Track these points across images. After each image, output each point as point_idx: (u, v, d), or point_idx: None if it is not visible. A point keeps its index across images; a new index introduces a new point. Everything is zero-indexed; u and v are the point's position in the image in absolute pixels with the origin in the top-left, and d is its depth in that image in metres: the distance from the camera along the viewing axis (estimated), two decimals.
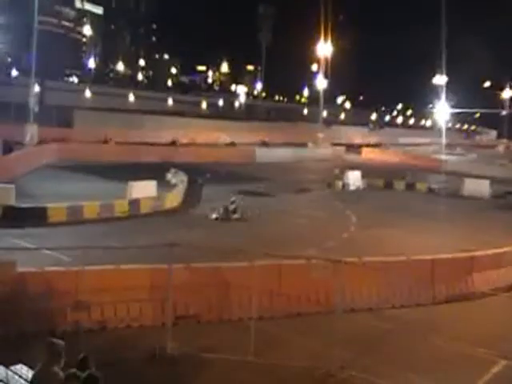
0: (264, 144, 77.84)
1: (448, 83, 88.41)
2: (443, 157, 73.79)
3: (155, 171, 39.63)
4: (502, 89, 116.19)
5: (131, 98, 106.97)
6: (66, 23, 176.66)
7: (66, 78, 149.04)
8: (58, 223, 26.29)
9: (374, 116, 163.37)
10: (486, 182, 46.75)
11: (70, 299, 14.24)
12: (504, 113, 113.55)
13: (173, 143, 68.41)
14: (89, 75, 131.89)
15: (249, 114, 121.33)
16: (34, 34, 53.33)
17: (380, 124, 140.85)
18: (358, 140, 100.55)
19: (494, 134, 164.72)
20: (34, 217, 26.02)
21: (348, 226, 30.93)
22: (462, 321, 16.77)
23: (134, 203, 30.58)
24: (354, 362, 13.45)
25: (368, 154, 78.88)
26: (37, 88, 73.08)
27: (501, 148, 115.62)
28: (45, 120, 57.72)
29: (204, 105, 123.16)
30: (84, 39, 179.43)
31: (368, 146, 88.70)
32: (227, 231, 27.76)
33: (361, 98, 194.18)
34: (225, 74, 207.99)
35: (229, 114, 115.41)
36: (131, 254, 18.09)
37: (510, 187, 46.57)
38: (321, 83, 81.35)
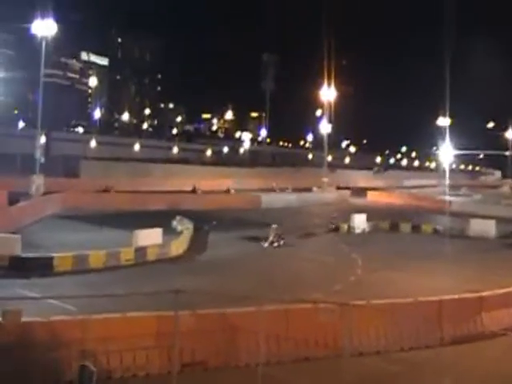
0: (272, 190, 78.05)
1: (452, 125, 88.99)
2: (448, 198, 73.75)
3: (161, 219, 39.77)
4: (505, 129, 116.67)
5: (136, 147, 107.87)
6: (72, 75, 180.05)
7: (71, 129, 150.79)
8: (64, 273, 26.30)
9: (378, 159, 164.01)
10: (492, 222, 46.63)
11: (76, 349, 14.20)
12: (508, 153, 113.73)
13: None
14: (95, 125, 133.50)
15: (254, 160, 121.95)
16: (40, 86, 54.34)
17: (384, 167, 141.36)
18: (363, 183, 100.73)
19: (498, 174, 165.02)
20: (40, 266, 26.06)
21: (354, 269, 30.83)
22: (471, 362, 16.55)
23: (140, 251, 30.63)
24: None
25: (373, 197, 78.94)
26: (43, 139, 73.90)
27: (506, 188, 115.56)
28: (51, 170, 58.23)
29: (209, 152, 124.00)
30: (90, 90, 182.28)
31: (373, 189, 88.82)
32: (233, 276, 27.70)
33: (365, 141, 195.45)
34: (229, 121, 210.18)
35: (234, 160, 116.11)
36: (137, 302, 18.10)
37: None
38: (325, 128, 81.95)
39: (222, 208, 55.86)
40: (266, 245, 37.34)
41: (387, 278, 28.50)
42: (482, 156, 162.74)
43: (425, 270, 30.98)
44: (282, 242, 37.57)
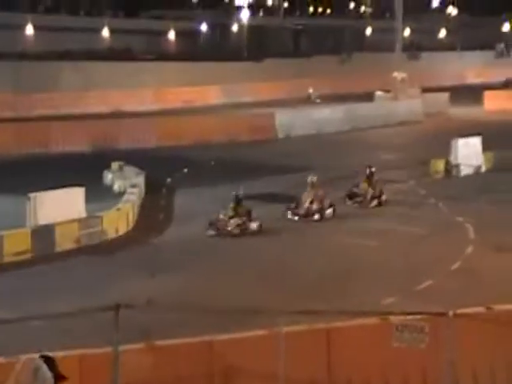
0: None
1: None
2: None
3: (82, 170, 39.96)
4: None
5: (29, 30, 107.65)
6: None
7: None
8: None
9: (506, 27, 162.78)
10: None
11: None
12: None
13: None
14: None
15: (259, 45, 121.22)
16: None
17: None
18: (474, 78, 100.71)
19: None
20: None
21: (460, 248, 31.07)
22: None
23: (43, 234, 30.88)
24: None
25: (496, 103, 78.91)
26: None
27: None
28: None
29: (171, 34, 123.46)
30: None
31: (496, 88, 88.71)
32: (223, 273, 27.95)
33: None
34: None
35: (220, 49, 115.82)
36: (41, 333, 18.39)
37: None
38: None
39: (201, 141, 55.94)
40: (296, 218, 36.79)
41: None
42: None
43: None
44: (329, 211, 37.23)
